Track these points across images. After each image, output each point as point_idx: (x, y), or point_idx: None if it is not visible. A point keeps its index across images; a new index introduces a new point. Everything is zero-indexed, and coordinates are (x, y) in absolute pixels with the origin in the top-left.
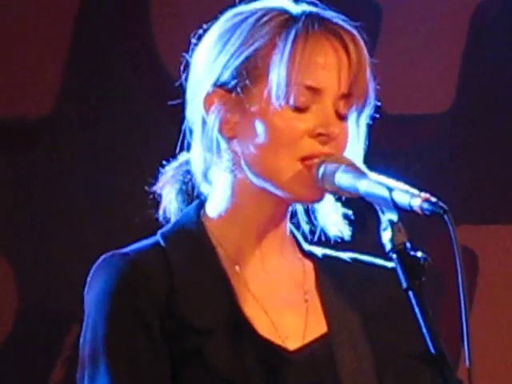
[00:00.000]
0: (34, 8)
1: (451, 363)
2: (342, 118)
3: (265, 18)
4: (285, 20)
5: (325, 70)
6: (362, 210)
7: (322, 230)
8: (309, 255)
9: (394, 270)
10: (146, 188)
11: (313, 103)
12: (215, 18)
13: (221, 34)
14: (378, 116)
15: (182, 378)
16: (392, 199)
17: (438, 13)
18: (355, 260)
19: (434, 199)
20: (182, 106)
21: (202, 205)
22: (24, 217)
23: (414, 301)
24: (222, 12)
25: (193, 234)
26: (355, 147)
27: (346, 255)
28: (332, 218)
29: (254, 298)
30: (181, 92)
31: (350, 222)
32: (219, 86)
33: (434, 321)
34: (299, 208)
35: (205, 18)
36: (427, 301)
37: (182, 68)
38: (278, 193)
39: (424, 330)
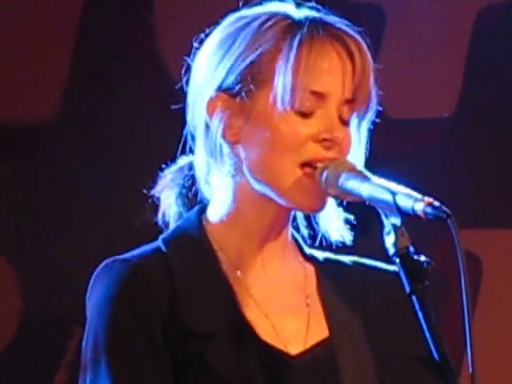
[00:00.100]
0: (37, 10)
1: (454, 368)
2: (346, 123)
3: (269, 23)
4: (289, 25)
5: (329, 75)
6: (364, 213)
7: (324, 235)
8: (310, 259)
9: (395, 273)
10: (146, 191)
11: (317, 108)
12: (217, 21)
13: (224, 38)
14: (381, 120)
15: (184, 382)
16: (395, 203)
17: (441, 17)
18: (357, 263)
19: (437, 203)
20: (183, 109)
21: (203, 209)
22: (25, 218)
23: (417, 305)
24: (224, 15)
25: (194, 238)
26: (357, 152)
27: (347, 258)
28: (334, 222)
29: (256, 303)
30: (183, 94)
31: (352, 226)
32: (223, 90)
33: (437, 325)
34: (299, 213)
35: (208, 20)
36: (430, 305)
37: (183, 72)
38: (279, 201)
39: (427, 335)
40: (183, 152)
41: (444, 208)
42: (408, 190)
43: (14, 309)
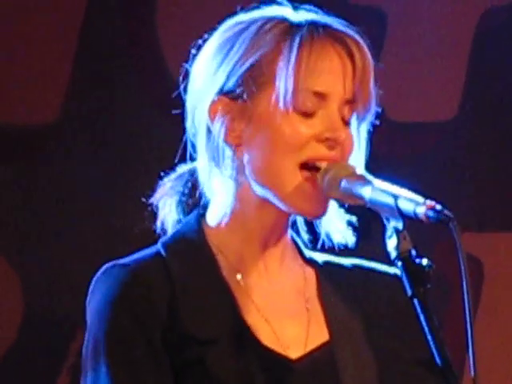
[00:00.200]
0: (37, 10)
1: (456, 372)
2: (347, 123)
3: (267, 26)
4: (288, 27)
5: (330, 75)
6: (366, 217)
7: (326, 237)
8: (310, 262)
9: (395, 275)
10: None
11: (318, 108)
12: (218, 23)
13: (222, 42)
14: (382, 123)
15: None
16: (397, 207)
17: (443, 20)
18: (357, 266)
19: (439, 207)
20: (183, 110)
21: (202, 213)
22: (25, 218)
23: (419, 308)
24: (225, 16)
25: (193, 242)
26: (357, 154)
27: (347, 261)
28: (335, 224)
29: (256, 307)
30: (181, 101)
31: (355, 230)
32: (224, 94)
33: (439, 328)
34: (300, 217)
35: (209, 20)
36: (432, 308)
37: (181, 78)
38: (281, 206)
39: (429, 338)
40: (182, 160)
41: (446, 212)
42: (410, 194)
43: (14, 310)
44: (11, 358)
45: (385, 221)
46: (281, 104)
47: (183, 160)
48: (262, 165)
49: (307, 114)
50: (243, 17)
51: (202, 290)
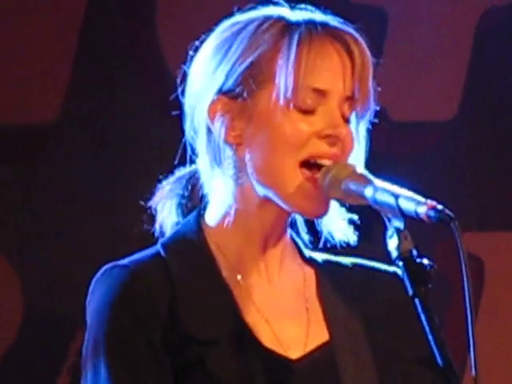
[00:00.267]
0: (37, 10)
1: (457, 371)
2: (346, 120)
3: (265, 25)
4: (285, 26)
5: (330, 72)
6: (367, 217)
7: (327, 237)
8: (309, 261)
9: (395, 274)
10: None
11: (319, 105)
12: (216, 24)
13: (220, 42)
14: (383, 122)
15: None
16: (398, 207)
17: (443, 20)
18: (356, 265)
19: (440, 207)
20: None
21: (202, 214)
22: (25, 218)
23: (420, 308)
24: (223, 17)
25: (193, 243)
26: (356, 152)
27: (347, 260)
28: (337, 223)
29: (256, 308)
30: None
31: (356, 230)
32: (223, 93)
33: (440, 328)
34: (299, 216)
35: (208, 20)
36: (433, 308)
37: (179, 80)
38: (283, 205)
39: (430, 338)
40: (181, 162)
41: (447, 211)
42: (411, 193)
43: (15, 310)
44: (11, 358)
45: (386, 221)
46: (281, 102)
47: (182, 162)
48: (263, 164)
49: (307, 112)
50: (240, 17)
51: (202, 290)
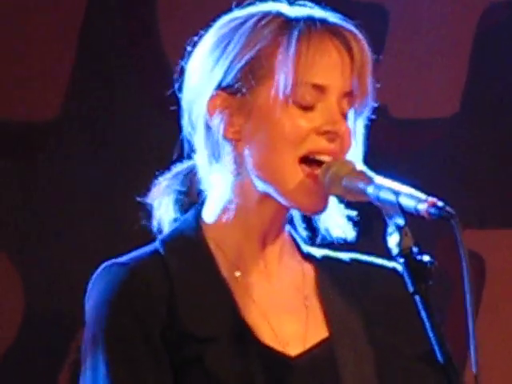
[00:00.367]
0: (37, 10)
1: (458, 368)
2: (345, 116)
3: (264, 21)
4: (284, 22)
5: (329, 68)
6: (367, 213)
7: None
8: (308, 258)
9: (394, 269)
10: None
11: (318, 101)
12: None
13: (219, 38)
14: (383, 120)
15: None
16: (399, 204)
17: (444, 18)
18: (355, 260)
19: (440, 204)
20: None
21: (200, 210)
22: (25, 218)
23: (420, 305)
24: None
25: (191, 240)
26: (355, 149)
27: (345, 255)
28: (335, 219)
29: (255, 305)
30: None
31: (355, 226)
32: (222, 89)
33: (441, 325)
34: (296, 212)
35: (209, 20)
36: (434, 305)
37: (177, 76)
38: (282, 201)
39: (430, 334)
40: (178, 158)
41: (448, 208)
42: (411, 190)
43: (15, 309)
44: (11, 357)
45: (386, 217)
46: (280, 97)
47: (180, 158)
48: (262, 159)
49: (306, 108)
50: (239, 13)
51: (201, 287)
